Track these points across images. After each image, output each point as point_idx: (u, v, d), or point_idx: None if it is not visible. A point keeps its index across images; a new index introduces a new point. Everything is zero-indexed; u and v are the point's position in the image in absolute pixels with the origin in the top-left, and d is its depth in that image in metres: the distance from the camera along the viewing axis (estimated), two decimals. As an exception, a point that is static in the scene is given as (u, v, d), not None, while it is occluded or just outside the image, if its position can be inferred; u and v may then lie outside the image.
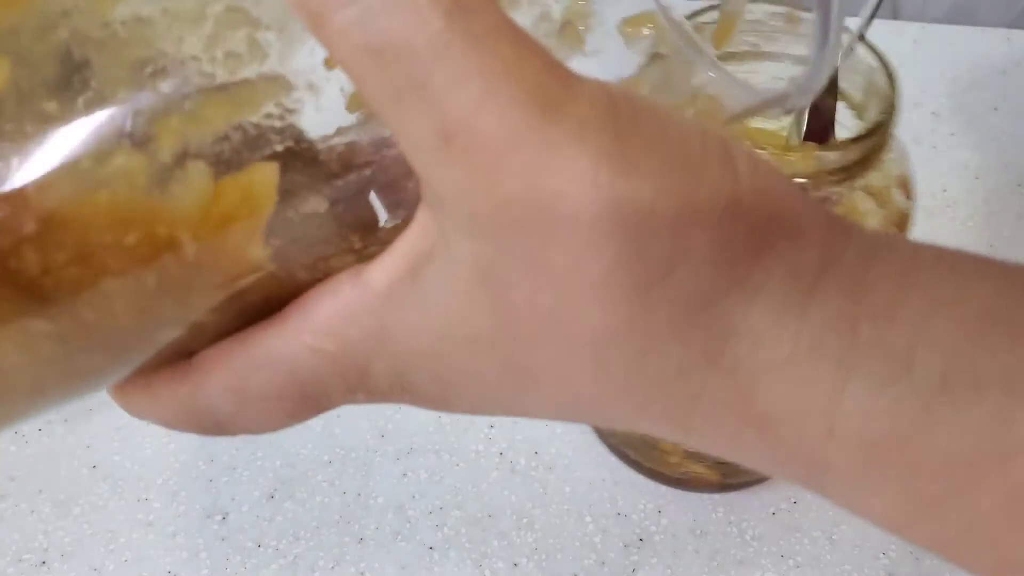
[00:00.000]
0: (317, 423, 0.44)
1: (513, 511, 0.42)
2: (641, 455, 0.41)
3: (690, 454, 0.40)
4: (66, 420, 0.44)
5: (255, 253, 0.17)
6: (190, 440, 0.44)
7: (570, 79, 0.15)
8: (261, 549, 0.40)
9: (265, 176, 0.17)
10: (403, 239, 0.17)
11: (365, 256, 0.18)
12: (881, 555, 0.41)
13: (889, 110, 0.31)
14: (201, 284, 0.17)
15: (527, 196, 0.14)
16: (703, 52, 0.19)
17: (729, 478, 0.41)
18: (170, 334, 0.18)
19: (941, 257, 0.16)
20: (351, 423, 0.44)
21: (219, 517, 0.41)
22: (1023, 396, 0.15)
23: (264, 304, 0.18)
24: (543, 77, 0.14)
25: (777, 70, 0.33)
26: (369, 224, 0.18)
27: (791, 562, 0.40)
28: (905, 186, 0.34)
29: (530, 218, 0.15)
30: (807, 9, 0.31)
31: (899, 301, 0.15)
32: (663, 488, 0.42)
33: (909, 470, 0.15)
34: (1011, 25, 0.60)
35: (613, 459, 0.43)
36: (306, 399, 0.18)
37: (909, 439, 0.15)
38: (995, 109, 0.57)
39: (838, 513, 0.42)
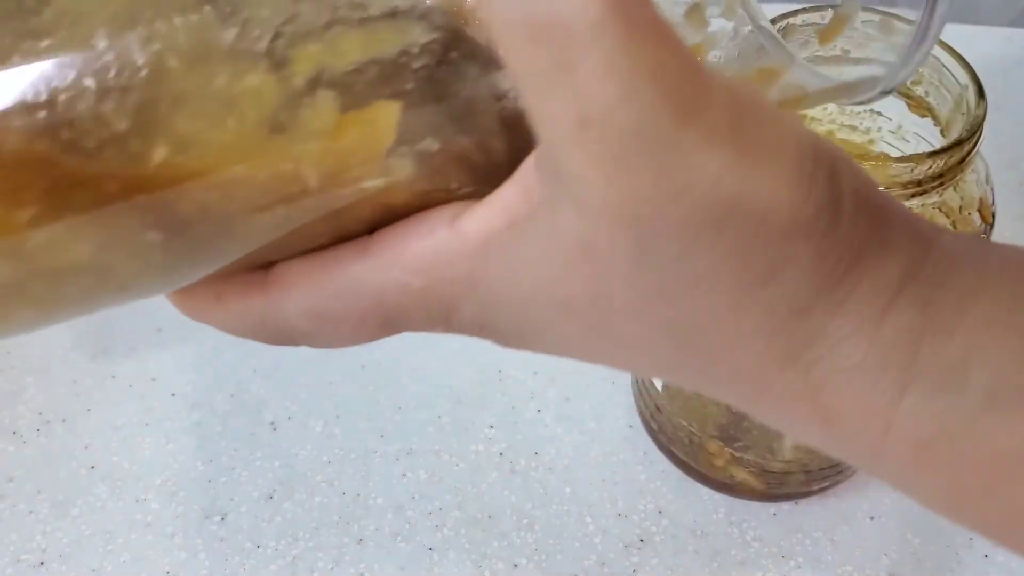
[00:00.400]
0: (317, 423, 0.44)
1: (513, 512, 0.42)
2: (688, 455, 0.41)
3: (735, 459, 0.40)
4: (64, 420, 0.44)
5: (364, 183, 0.18)
6: (189, 441, 0.43)
7: (705, 84, 0.15)
8: (260, 550, 0.40)
9: (388, 114, 0.17)
10: (503, 194, 0.18)
11: (459, 195, 0.19)
12: (882, 556, 0.40)
13: (974, 129, 0.31)
14: (303, 206, 0.18)
15: (650, 194, 0.15)
16: (778, 39, 0.20)
17: (774, 488, 0.41)
18: (255, 246, 0.18)
19: (1008, 262, 0.18)
20: (351, 423, 0.44)
21: (218, 518, 0.41)
22: None
23: (353, 226, 0.19)
24: (683, 80, 0.15)
25: (863, 74, 0.33)
26: (475, 168, 0.19)
27: (792, 563, 0.40)
28: (984, 210, 0.34)
29: (648, 215, 0.16)
30: (901, 17, 0.31)
31: (961, 313, 0.17)
32: (663, 488, 0.42)
33: (954, 467, 0.17)
34: (1012, 24, 0.60)
35: (614, 459, 0.43)
36: (387, 324, 0.19)
37: (956, 441, 0.17)
38: (996, 109, 0.57)
39: (839, 514, 0.42)
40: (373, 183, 0.18)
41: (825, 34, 0.29)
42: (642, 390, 0.42)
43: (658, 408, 0.41)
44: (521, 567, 0.40)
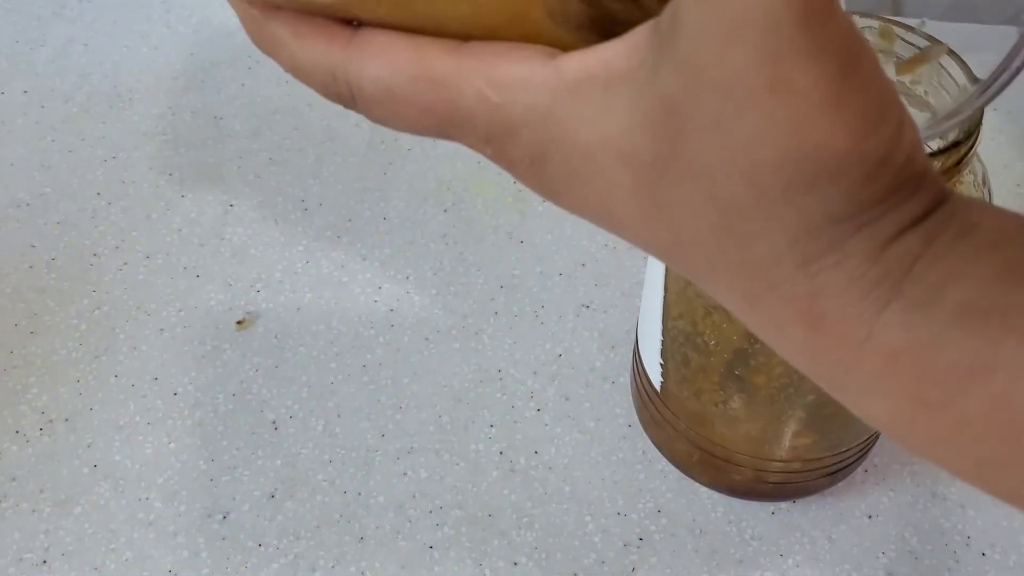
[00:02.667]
0: (318, 423, 0.44)
1: (513, 510, 0.42)
2: (687, 455, 0.41)
3: (734, 457, 0.40)
4: (67, 420, 0.44)
5: None
6: (191, 440, 0.44)
7: (836, 8, 0.17)
8: (262, 548, 0.41)
9: None
10: (609, 46, 0.19)
11: (565, 42, 0.20)
12: (880, 555, 0.41)
13: (971, 131, 0.31)
14: None
15: (751, 74, 0.17)
16: None
17: (771, 487, 0.41)
18: None
19: (1012, 216, 0.20)
20: (352, 422, 0.44)
21: (220, 516, 0.41)
22: (1014, 326, 0.18)
23: (454, 27, 0.20)
24: None
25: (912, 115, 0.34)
26: (594, 21, 0.20)
27: (790, 561, 0.40)
28: None
29: (740, 91, 0.17)
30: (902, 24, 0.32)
31: (952, 246, 0.19)
32: (662, 487, 0.42)
33: (917, 378, 0.19)
34: (1011, 23, 0.60)
35: (613, 459, 0.43)
36: (445, 125, 0.20)
37: (922, 352, 0.18)
38: (995, 109, 0.57)
39: (837, 512, 0.42)
40: None
41: (903, 68, 0.31)
42: (642, 390, 0.42)
43: (657, 408, 0.41)
44: (521, 565, 0.40)
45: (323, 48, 0.20)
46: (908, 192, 0.19)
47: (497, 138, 0.20)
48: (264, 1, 0.20)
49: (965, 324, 0.18)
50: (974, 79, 0.33)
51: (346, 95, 0.21)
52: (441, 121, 0.20)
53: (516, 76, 0.19)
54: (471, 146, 0.21)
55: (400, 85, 0.20)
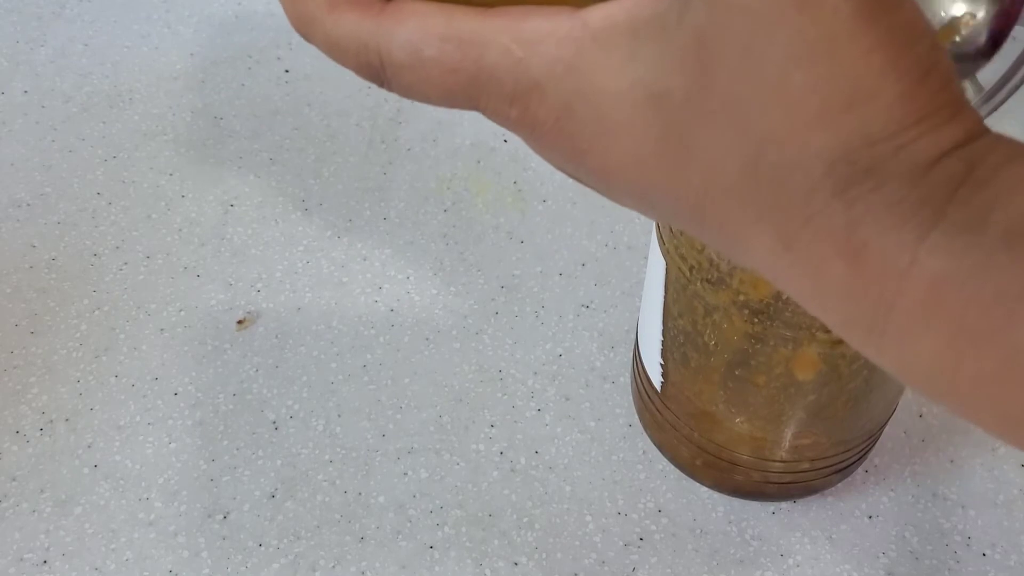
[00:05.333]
0: (318, 423, 0.44)
1: (513, 510, 0.42)
2: (687, 455, 0.41)
3: (734, 458, 0.40)
4: (67, 420, 0.44)
5: None
6: (191, 440, 0.44)
7: None
8: (262, 548, 0.41)
9: None
10: None
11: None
12: (880, 555, 0.41)
13: None
14: None
15: (787, 2, 0.17)
16: None
17: (772, 487, 0.41)
18: None
19: None
20: (352, 422, 0.44)
21: (220, 516, 0.41)
22: None
23: None
24: None
25: None
26: None
27: (790, 561, 0.40)
28: None
29: (770, 12, 0.17)
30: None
31: (997, 172, 0.18)
32: (663, 487, 0.42)
33: (964, 306, 0.18)
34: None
35: (613, 458, 0.43)
36: (471, 84, 0.20)
37: (968, 278, 0.17)
38: (1001, 116, 0.57)
39: (838, 512, 0.42)
40: None
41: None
42: (642, 390, 0.42)
43: (657, 408, 0.41)
44: (521, 565, 0.40)
45: (355, 19, 0.21)
46: (947, 116, 0.18)
47: (522, 96, 0.20)
48: None
49: (1013, 249, 0.17)
50: (979, 88, 0.33)
51: (376, 65, 0.21)
52: (468, 81, 0.20)
53: (541, 30, 0.19)
54: (497, 113, 0.21)
55: (428, 46, 0.20)
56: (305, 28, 0.22)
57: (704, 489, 0.42)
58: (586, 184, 0.22)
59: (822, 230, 0.18)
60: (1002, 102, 0.24)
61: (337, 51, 0.21)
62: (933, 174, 0.18)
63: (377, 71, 0.21)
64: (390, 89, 0.21)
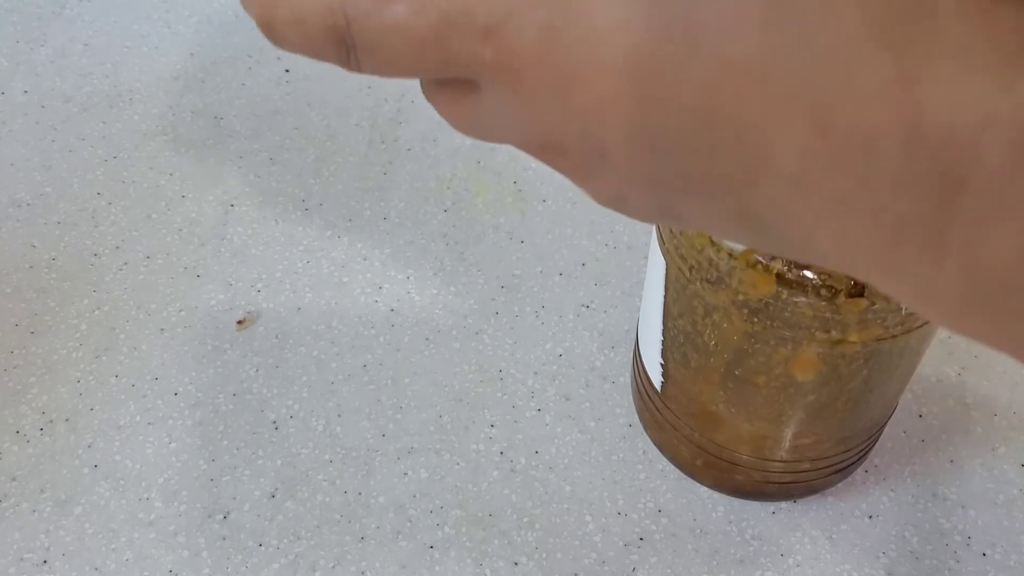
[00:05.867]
0: (318, 422, 0.44)
1: (513, 510, 0.42)
2: (687, 455, 0.41)
3: (734, 458, 0.40)
4: (67, 420, 0.44)
5: None
6: (191, 440, 0.44)
7: None
8: (262, 548, 0.41)
9: None
10: None
11: None
12: (880, 554, 0.41)
13: None
14: None
15: None
16: None
17: (772, 487, 0.41)
18: None
19: None
20: (352, 422, 0.44)
21: (220, 516, 0.41)
22: None
23: None
24: None
25: None
26: None
27: (791, 561, 0.40)
28: None
29: None
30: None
31: None
32: (663, 487, 0.42)
33: None
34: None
35: (613, 458, 0.43)
36: (443, 25, 0.18)
37: None
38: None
39: (838, 512, 0.42)
40: None
41: None
42: (642, 390, 0.42)
43: (657, 408, 0.41)
44: (521, 565, 0.40)
45: None
46: None
47: (499, 27, 0.18)
48: None
49: None
50: None
51: (342, 25, 0.19)
52: (438, 20, 0.18)
53: None
54: (472, 59, 0.18)
55: None
56: (269, 11, 0.20)
57: (704, 489, 0.42)
58: (580, 155, 0.19)
59: (870, 92, 0.15)
60: None
61: (303, 27, 0.20)
62: (998, 13, 0.14)
63: (343, 34, 0.19)
64: (356, 57, 0.19)
